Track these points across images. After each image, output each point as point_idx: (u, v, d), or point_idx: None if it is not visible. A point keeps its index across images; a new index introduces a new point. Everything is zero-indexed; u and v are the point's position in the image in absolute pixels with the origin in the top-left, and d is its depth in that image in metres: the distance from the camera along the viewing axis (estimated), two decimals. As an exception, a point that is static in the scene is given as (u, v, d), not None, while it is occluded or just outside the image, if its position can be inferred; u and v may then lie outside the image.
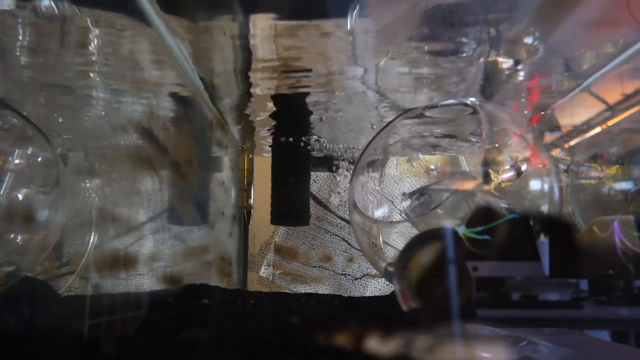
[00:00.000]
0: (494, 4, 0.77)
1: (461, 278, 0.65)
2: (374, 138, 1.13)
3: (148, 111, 1.14)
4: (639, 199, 1.17)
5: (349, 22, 0.81)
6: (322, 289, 1.66)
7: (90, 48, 0.88)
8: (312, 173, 1.58)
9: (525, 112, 1.25)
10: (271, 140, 1.49)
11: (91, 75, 1.00)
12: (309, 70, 1.00)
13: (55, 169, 1.10)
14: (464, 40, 0.87)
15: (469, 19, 0.80)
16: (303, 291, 1.65)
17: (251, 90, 1.10)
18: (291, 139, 1.44)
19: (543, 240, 0.68)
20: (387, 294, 1.37)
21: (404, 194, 1.04)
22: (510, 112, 1.07)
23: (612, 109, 1.16)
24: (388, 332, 0.52)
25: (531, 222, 0.70)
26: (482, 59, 0.95)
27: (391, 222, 1.47)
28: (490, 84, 1.07)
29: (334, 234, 1.69)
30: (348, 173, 1.61)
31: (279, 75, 1.03)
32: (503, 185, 0.95)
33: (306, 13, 0.79)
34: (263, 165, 1.57)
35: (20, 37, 0.85)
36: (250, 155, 1.63)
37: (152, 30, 0.78)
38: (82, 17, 0.79)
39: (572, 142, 1.35)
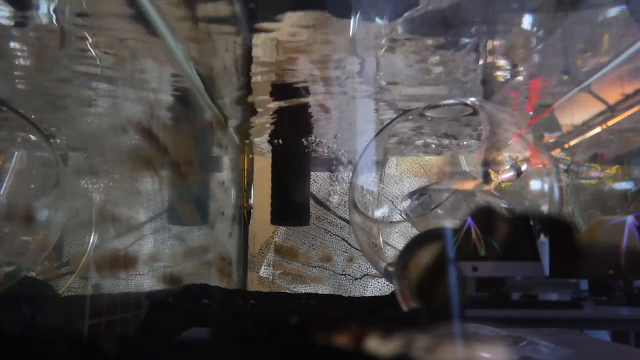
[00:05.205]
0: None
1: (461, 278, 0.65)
2: (373, 138, 1.13)
3: (148, 110, 1.14)
4: (639, 199, 1.17)
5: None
6: (322, 289, 1.66)
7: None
8: (312, 173, 1.58)
9: (525, 112, 1.25)
10: (271, 140, 1.49)
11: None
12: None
13: (55, 169, 1.10)
14: (463, 39, 0.87)
15: (468, 19, 0.80)
16: (303, 291, 1.65)
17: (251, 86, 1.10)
18: (291, 139, 1.44)
19: (543, 240, 0.68)
20: (387, 294, 1.37)
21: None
22: (510, 112, 1.07)
23: (612, 109, 1.16)
24: (388, 332, 0.52)
25: (531, 222, 0.70)
26: (481, 59, 0.95)
27: (391, 222, 1.47)
28: (490, 83, 1.07)
29: (334, 234, 1.69)
30: (348, 173, 1.61)
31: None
32: (503, 185, 0.95)
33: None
34: (263, 165, 1.57)
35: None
36: (250, 155, 1.63)
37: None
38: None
39: (572, 142, 1.34)
